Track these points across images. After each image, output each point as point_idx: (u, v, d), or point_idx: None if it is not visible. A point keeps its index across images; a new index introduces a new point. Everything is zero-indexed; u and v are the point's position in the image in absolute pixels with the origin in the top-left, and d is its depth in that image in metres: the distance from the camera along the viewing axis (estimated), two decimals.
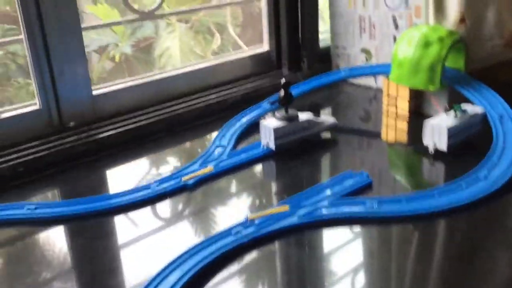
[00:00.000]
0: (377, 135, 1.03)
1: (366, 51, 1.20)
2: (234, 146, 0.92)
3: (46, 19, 0.89)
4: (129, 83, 1.05)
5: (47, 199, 0.83)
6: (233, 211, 0.75)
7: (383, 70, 1.08)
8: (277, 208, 0.71)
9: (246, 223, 0.68)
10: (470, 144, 0.88)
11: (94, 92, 0.99)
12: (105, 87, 1.02)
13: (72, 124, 0.97)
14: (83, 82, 0.97)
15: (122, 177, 0.89)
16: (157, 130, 1.00)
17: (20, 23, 0.89)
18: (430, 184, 0.83)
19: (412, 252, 0.65)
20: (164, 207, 0.75)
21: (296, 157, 0.89)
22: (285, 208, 0.71)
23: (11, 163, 0.84)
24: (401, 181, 0.84)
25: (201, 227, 0.71)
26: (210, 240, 0.64)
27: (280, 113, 0.90)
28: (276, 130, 0.88)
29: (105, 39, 1.89)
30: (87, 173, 0.89)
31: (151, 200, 0.77)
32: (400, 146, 0.98)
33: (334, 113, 1.18)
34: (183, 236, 0.69)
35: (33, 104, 0.94)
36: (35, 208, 0.74)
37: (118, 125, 0.98)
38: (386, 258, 0.64)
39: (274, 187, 0.84)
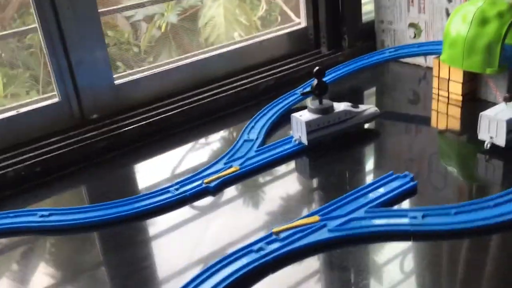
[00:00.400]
0: (426, 121, 0.93)
1: (415, 26, 1.08)
2: (264, 140, 0.84)
3: (59, 3, 0.83)
4: (153, 71, 0.98)
5: (68, 201, 0.78)
6: (260, 218, 0.68)
7: (434, 49, 0.97)
8: (306, 219, 0.63)
9: (270, 237, 0.60)
10: None
11: (117, 81, 0.93)
12: (128, 75, 0.96)
13: (94, 116, 0.91)
14: (104, 71, 0.91)
15: (148, 175, 0.83)
16: (183, 121, 0.93)
17: (33, 10, 0.83)
18: (485, 186, 0.72)
19: (462, 273, 0.56)
20: (183, 214, 0.69)
21: (332, 153, 0.81)
22: (315, 219, 0.63)
23: (27, 162, 0.79)
24: (451, 181, 0.74)
25: (221, 239, 0.64)
26: (228, 259, 0.57)
27: (314, 104, 0.81)
28: (308, 124, 0.79)
29: (150, 8, 1.85)
30: (112, 170, 0.84)
31: (171, 205, 0.70)
32: (452, 135, 0.88)
33: (378, 95, 1.07)
34: (200, 251, 0.62)
35: (53, 97, 0.89)
36: (49, 215, 0.70)
37: (142, 116, 0.92)
38: (433, 280, 0.56)
39: (306, 189, 0.75)
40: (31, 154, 0.81)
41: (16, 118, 0.85)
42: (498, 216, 0.60)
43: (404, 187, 0.68)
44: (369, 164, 0.81)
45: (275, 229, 0.61)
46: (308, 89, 0.83)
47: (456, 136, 0.87)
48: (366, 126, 0.86)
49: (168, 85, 0.99)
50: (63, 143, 0.84)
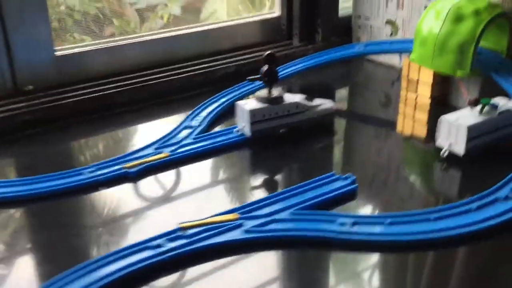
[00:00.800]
0: (389, 124, 0.85)
1: (392, 23, 1.00)
2: (206, 129, 0.77)
3: None
4: (102, 45, 0.90)
5: None
6: (176, 212, 0.60)
7: (406, 47, 0.89)
8: (222, 216, 0.55)
9: (175, 233, 0.53)
10: (499, 151, 0.69)
11: (58, 53, 0.86)
12: (71, 48, 0.88)
13: (30, 87, 0.84)
14: (44, 40, 0.83)
15: (75, 154, 0.76)
16: (127, 101, 0.86)
17: None
18: (433, 197, 0.65)
19: None
20: (91, 200, 0.61)
21: (278, 148, 0.73)
22: (234, 216, 0.55)
23: None
24: (399, 188, 0.66)
25: (122, 231, 0.56)
26: (117, 254, 0.49)
27: (262, 92, 0.73)
28: (252, 113, 0.71)
29: None
30: (40, 145, 0.76)
31: (81, 189, 0.63)
32: (416, 142, 0.80)
33: (349, 96, 1.00)
34: (93, 242, 0.54)
35: None
36: None
37: (82, 91, 0.84)
38: None
39: (238, 184, 0.67)
40: None
41: None
42: (437, 231, 0.52)
43: (343, 190, 0.60)
44: (315, 164, 0.73)
45: (183, 224, 0.54)
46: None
47: (417, 142, 0.80)
48: (325, 122, 0.78)
49: (118, 62, 0.91)
50: None
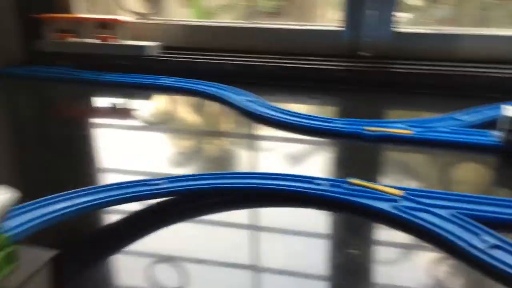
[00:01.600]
0: None
1: None
2: (475, 126, 0.74)
3: None
4: (438, 31, 0.96)
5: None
6: (370, 174, 0.66)
7: None
8: (387, 188, 0.58)
9: (339, 182, 0.60)
10: None
11: (398, 30, 0.97)
12: (409, 27, 0.98)
13: (366, 54, 0.98)
14: (388, 16, 0.96)
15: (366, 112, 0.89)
16: (430, 84, 0.91)
17: None
18: None
19: None
20: (323, 143, 0.74)
21: None
22: (397, 192, 0.57)
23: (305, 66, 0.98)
24: None
25: (320, 170, 0.66)
26: (290, 177, 0.61)
27: None
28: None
29: None
30: (354, 100, 0.93)
31: (323, 133, 0.75)
32: None
33: None
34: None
35: (337, 25, 1.01)
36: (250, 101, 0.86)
37: (415, 66, 0.94)
38: None
39: (449, 177, 0.65)
40: (307, 63, 0.98)
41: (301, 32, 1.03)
42: None
43: None
44: None
45: (352, 180, 0.60)
46: None
47: None
48: None
49: (449, 48, 0.95)
50: (334, 63, 0.98)
